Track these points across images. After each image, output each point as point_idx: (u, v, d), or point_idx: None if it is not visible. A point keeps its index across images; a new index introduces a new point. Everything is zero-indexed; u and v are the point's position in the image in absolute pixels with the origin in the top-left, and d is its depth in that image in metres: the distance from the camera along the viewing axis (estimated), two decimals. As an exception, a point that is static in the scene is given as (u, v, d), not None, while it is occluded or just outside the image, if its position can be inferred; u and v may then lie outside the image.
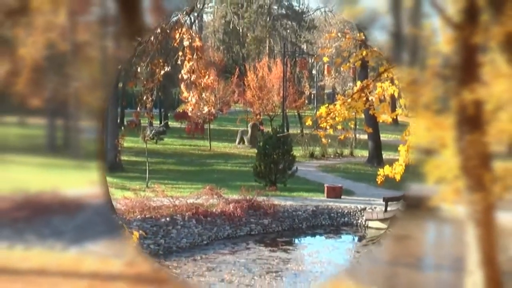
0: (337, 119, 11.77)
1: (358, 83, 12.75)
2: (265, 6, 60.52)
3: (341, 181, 33.23)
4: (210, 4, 69.39)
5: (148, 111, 12.52)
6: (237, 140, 49.93)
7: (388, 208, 26.88)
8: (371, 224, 27.19)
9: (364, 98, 12.07)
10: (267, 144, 31.65)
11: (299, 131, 49.37)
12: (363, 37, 14.68)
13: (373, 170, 30.29)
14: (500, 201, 6.22)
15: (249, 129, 49.70)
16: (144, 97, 11.53)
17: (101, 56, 9.01)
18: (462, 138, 6.27)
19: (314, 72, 72.21)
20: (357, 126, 43.49)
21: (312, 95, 72.25)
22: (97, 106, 9.08)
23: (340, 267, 22.28)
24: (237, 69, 56.33)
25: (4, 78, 7.61)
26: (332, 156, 44.49)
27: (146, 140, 33.16)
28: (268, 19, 62.12)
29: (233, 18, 61.12)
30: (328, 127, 11.78)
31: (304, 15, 66.58)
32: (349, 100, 11.94)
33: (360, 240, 26.33)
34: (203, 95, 12.07)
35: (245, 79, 53.38)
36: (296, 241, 25.90)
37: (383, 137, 42.93)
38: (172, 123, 55.99)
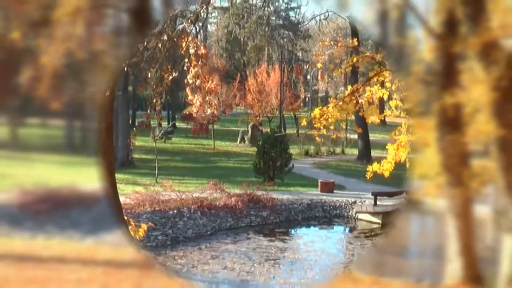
0: (329, 120, 11.79)
1: (349, 87, 12.78)
2: (264, 17, 60.38)
3: (333, 177, 33.20)
4: (213, 15, 69.43)
5: (157, 113, 12.54)
6: (238, 140, 49.90)
7: (378, 202, 26.95)
8: (361, 216, 27.18)
9: (355, 101, 12.09)
10: (266, 143, 31.64)
11: (295, 131, 49.37)
12: (355, 44, 14.69)
13: (362, 167, 30.29)
14: (477, 195, 6.25)
15: (250, 130, 49.68)
16: (154, 100, 11.55)
17: (116, 63, 9.04)
18: (443, 138, 6.29)
19: (308, 77, 72.10)
20: (348, 127, 43.63)
21: (307, 98, 72.15)
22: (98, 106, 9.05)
23: (333, 255, 22.32)
24: (239, 75, 56.24)
25: (28, 83, 7.63)
26: (325, 154, 44.43)
27: (155, 139, 33.13)
28: (266, 29, 61.99)
29: (235, 28, 60.93)
30: (321, 127, 11.80)
31: (299, 26, 66.39)
32: (341, 103, 11.96)
33: (351, 231, 26.31)
34: (207, 98, 12.07)
35: (246, 83, 53.32)
36: (292, 231, 25.89)
37: (372, 136, 42.87)
38: (179, 124, 55.96)
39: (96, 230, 10.30)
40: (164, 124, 50.09)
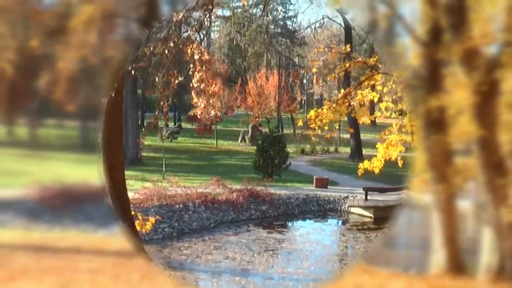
0: (324, 121, 11.82)
1: (342, 90, 12.82)
2: (263, 26, 60.40)
3: (327, 174, 33.20)
4: (216, 23, 69.38)
5: (164, 114, 12.52)
6: (239, 139, 49.87)
7: (369, 197, 26.99)
8: (353, 210, 27.20)
9: (347, 103, 12.12)
10: (265, 142, 31.65)
11: (292, 131, 49.32)
12: (348, 50, 14.70)
13: (354, 164, 30.22)
14: (460, 190, 6.27)
15: (250, 130, 49.66)
16: (161, 103, 11.54)
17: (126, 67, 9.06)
18: (429, 138, 6.31)
19: (304, 81, 72.05)
20: (341, 127, 43.56)
21: (303, 101, 72.08)
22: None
23: (327, 246, 22.34)
24: (240, 79, 56.24)
25: (45, 87, 7.65)
26: (320, 152, 44.40)
27: (162, 139, 33.12)
28: (265, 36, 62.00)
29: (236, 36, 60.96)
30: (316, 127, 11.83)
31: (296, 33, 66.35)
32: (334, 105, 12.00)
33: (343, 223, 26.32)
34: (211, 100, 12.10)
35: (246, 87, 53.32)
36: (289, 224, 25.90)
37: (363, 136, 42.84)
38: (185, 125, 55.90)
39: (108, 223, 10.32)
40: (171, 124, 49.98)
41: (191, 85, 11.24)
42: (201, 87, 11.18)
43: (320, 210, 27.48)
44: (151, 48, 10.63)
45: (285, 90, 55.62)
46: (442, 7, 6.13)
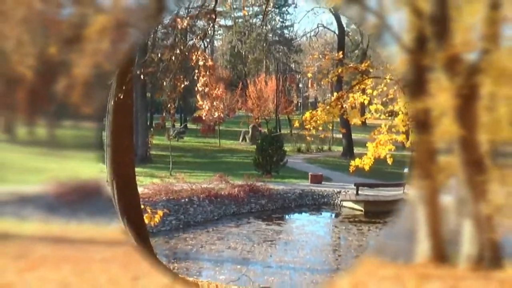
0: (318, 122, 11.84)
1: (335, 94, 12.82)
2: (262, 35, 60.33)
3: (321, 170, 33.22)
4: (219, 32, 69.31)
5: (171, 116, 12.54)
6: (240, 138, 49.86)
7: (360, 192, 27.00)
8: (345, 204, 27.23)
9: (340, 106, 12.13)
10: (264, 142, 31.66)
11: (289, 131, 49.37)
12: (340, 57, 14.71)
13: (346, 162, 30.22)
14: (442, 186, 6.28)
15: (250, 130, 49.63)
16: (168, 105, 11.55)
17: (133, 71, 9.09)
18: (415, 138, 6.33)
19: (300, 85, 72.04)
20: (334, 128, 43.57)
21: (299, 103, 72.07)
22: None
23: (321, 237, 22.36)
24: (241, 83, 56.21)
25: (63, 91, 7.66)
26: (314, 151, 44.41)
27: (170, 138, 33.13)
28: (265, 44, 61.91)
29: (238, 44, 60.92)
30: (311, 128, 11.85)
31: (292, 41, 66.31)
32: (328, 107, 12.02)
33: (336, 216, 26.35)
34: (214, 103, 12.14)
35: (247, 91, 53.31)
36: (287, 217, 25.93)
37: (354, 136, 42.82)
38: (190, 125, 55.90)
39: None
40: (177, 125, 49.94)
41: (196, 89, 11.26)
42: (205, 90, 11.20)
43: (315, 204, 27.51)
44: (159, 55, 10.66)
45: (282, 93, 55.65)
46: (427, 18, 6.14)
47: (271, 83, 53.76)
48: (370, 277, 6.57)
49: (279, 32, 67.70)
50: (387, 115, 12.99)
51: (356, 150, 38.83)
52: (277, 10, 65.21)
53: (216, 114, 28.45)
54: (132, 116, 11.58)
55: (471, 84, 5.88)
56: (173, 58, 9.63)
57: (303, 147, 43.88)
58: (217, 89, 11.61)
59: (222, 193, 25.17)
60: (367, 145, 12.56)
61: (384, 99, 12.85)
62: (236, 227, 22.69)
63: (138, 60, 11.16)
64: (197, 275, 16.07)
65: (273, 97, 52.42)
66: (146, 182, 25.22)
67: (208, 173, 29.57)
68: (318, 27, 50.60)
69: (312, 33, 51.31)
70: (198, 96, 11.59)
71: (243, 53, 65.29)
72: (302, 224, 24.47)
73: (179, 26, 10.06)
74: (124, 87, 8.92)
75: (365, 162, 12.39)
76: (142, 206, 11.45)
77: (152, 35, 32.94)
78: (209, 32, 10.60)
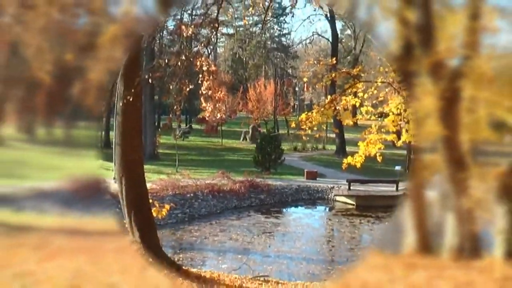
0: (313, 122, 11.84)
1: (329, 97, 12.81)
2: (262, 42, 60.14)
3: (316, 167, 33.24)
4: (221, 40, 69.31)
5: (177, 117, 12.52)
6: (241, 138, 49.87)
7: (352, 188, 27.03)
8: (338, 198, 27.25)
9: (333, 108, 12.13)
10: (263, 141, 31.70)
11: (286, 131, 49.36)
12: (334, 62, 14.71)
13: (339, 159, 30.25)
14: (428, 182, 6.31)
15: (250, 130, 49.65)
16: (175, 107, 11.55)
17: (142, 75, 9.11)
18: (401, 138, 6.36)
19: (297, 89, 71.97)
20: (328, 128, 43.54)
21: (296, 105, 72.05)
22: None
23: (316, 229, 22.38)
24: (241, 87, 56.20)
25: (78, 95, 7.70)
26: (310, 149, 44.40)
27: (176, 138, 33.14)
28: (264, 51, 61.76)
29: (239, 50, 60.85)
30: (307, 128, 11.85)
31: (289, 48, 66.29)
32: (322, 109, 12.01)
33: (330, 210, 26.36)
34: (217, 105, 12.12)
35: (247, 94, 53.28)
36: (284, 210, 25.94)
37: (347, 135, 42.80)
38: (195, 126, 55.92)
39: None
40: (183, 125, 50.00)
41: (200, 92, 11.26)
42: (209, 93, 11.21)
43: (310, 199, 27.53)
44: (166, 61, 10.69)
45: (280, 96, 55.65)
46: (413, 27, 6.17)
47: (270, 87, 53.75)
48: (362, 266, 6.60)
49: (277, 39, 67.68)
50: (377, 116, 12.98)
51: (348, 148, 38.83)
52: (275, 20, 65.09)
53: (219, 115, 28.34)
54: (141, 118, 11.61)
55: (454, 87, 5.92)
56: (179, 63, 9.66)
57: (299, 146, 43.88)
58: (219, 92, 11.56)
59: (225, 188, 25.20)
60: (358, 144, 12.56)
61: (374, 102, 12.84)
62: (237, 220, 22.71)
63: (146, 65, 11.19)
64: (201, 265, 16.11)
65: (272, 100, 52.44)
66: (154, 178, 25.23)
67: (212, 170, 29.58)
68: (313, 35, 50.65)
69: (308, 41, 51.31)
70: (202, 99, 11.57)
71: (244, 59, 65.26)
72: (298, 217, 24.49)
73: (184, 34, 10.09)
74: (132, 90, 8.95)
75: (357, 160, 12.39)
76: (151, 201, 11.50)
77: (159, 42, 32.88)
78: (212, 39, 10.63)
